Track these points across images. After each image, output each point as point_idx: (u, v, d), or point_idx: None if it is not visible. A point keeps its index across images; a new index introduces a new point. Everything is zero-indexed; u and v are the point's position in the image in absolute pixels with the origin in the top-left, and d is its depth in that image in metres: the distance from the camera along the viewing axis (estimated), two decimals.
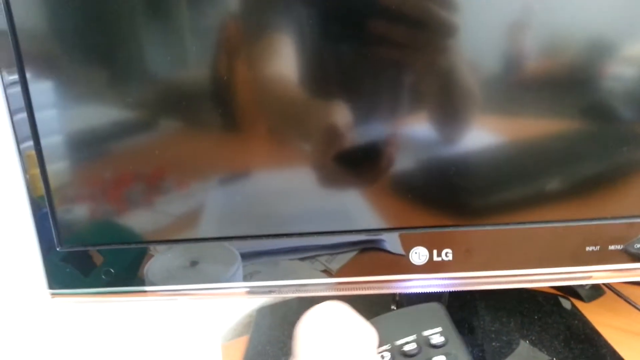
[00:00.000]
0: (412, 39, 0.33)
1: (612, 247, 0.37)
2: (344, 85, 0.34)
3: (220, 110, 0.36)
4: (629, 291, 0.51)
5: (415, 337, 0.27)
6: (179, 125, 0.36)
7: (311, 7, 0.33)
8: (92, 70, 0.35)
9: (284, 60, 0.34)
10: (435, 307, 0.28)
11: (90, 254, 0.39)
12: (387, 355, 0.26)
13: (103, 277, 0.39)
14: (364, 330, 0.30)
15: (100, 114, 0.36)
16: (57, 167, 0.37)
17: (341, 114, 0.35)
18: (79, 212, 0.38)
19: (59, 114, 0.36)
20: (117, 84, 0.36)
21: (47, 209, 0.38)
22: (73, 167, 0.38)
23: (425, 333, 0.27)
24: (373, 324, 0.28)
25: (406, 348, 0.26)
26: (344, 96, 0.35)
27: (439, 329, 0.27)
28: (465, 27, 0.33)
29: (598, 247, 0.37)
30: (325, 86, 0.35)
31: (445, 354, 0.25)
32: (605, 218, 0.36)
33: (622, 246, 0.37)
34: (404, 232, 0.37)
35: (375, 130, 0.35)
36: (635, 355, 0.41)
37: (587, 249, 0.37)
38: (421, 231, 0.37)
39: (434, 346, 0.26)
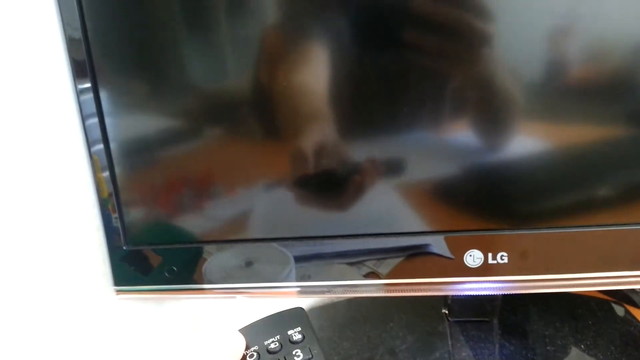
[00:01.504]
0: (447, 48, 0.34)
1: None
2: (381, 94, 0.35)
3: (263, 117, 0.37)
4: None
5: (279, 337, 0.32)
6: (224, 132, 0.38)
7: (348, 15, 0.34)
8: (150, 81, 0.38)
9: (321, 69, 0.35)
10: (298, 311, 0.34)
11: (153, 253, 0.41)
12: (255, 354, 0.31)
13: (166, 274, 0.41)
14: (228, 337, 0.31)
15: (155, 122, 0.38)
16: (123, 170, 0.39)
17: (381, 125, 0.36)
18: (142, 213, 0.40)
19: (124, 121, 0.39)
20: (170, 93, 0.38)
21: (115, 210, 0.40)
22: (136, 171, 0.40)
23: (288, 332, 0.32)
24: (244, 330, 0.32)
25: (271, 346, 0.31)
26: (384, 107, 0.35)
27: (298, 329, 0.32)
28: (502, 35, 0.33)
29: None
30: (365, 97, 0.35)
31: (302, 348, 0.31)
32: None
33: None
34: (458, 234, 0.37)
35: (420, 139, 0.36)
36: None
37: None
38: (476, 234, 0.37)
39: (293, 342, 0.31)
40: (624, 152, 0.35)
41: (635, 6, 0.32)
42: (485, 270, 0.38)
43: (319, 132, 0.36)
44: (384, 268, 0.39)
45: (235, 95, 0.37)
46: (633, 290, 0.51)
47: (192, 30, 0.36)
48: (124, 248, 0.40)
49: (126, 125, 0.39)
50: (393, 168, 0.37)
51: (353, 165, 0.37)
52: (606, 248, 0.37)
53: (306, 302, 0.54)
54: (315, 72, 0.35)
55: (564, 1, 0.32)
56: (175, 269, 0.41)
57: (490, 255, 0.37)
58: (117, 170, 0.39)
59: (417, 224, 0.38)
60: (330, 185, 0.38)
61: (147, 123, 0.38)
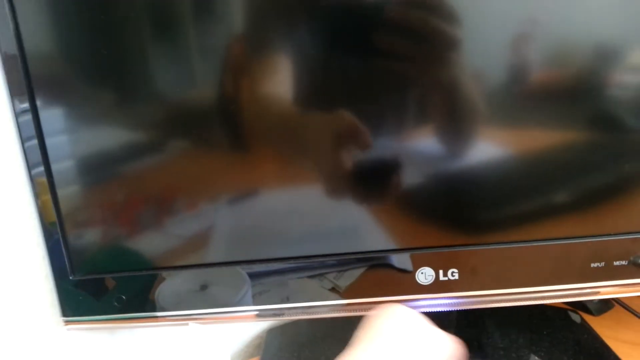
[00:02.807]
0: (416, 52, 0.34)
1: (617, 263, 0.37)
2: (348, 101, 0.35)
3: (227, 130, 0.36)
4: (637, 301, 0.51)
5: None
6: (185, 145, 0.37)
7: (315, 23, 0.34)
8: (100, 94, 0.36)
9: (288, 78, 0.35)
10: None
11: (102, 281, 0.40)
12: None
13: (115, 303, 0.40)
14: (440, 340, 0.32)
15: (109, 137, 0.37)
16: (68, 193, 0.38)
17: (347, 131, 0.35)
18: (91, 238, 0.39)
19: (68, 139, 0.37)
20: (124, 106, 0.36)
21: (59, 236, 0.38)
22: (84, 192, 0.38)
23: None
24: None
25: None
26: (349, 112, 0.35)
27: None
28: (468, 40, 0.33)
29: (603, 263, 0.37)
30: (330, 103, 0.35)
31: None
32: (609, 234, 0.37)
33: (626, 261, 0.37)
34: (409, 252, 0.37)
35: (381, 147, 0.36)
36: None
37: (592, 265, 0.37)
38: (427, 251, 0.37)
39: None
40: (578, 159, 0.36)
41: (593, 12, 0.33)
42: (437, 287, 0.38)
43: (282, 145, 0.36)
44: (343, 281, 0.39)
45: (197, 106, 0.36)
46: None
47: (150, 38, 0.35)
48: (70, 278, 0.39)
49: (70, 144, 0.37)
50: (354, 180, 0.37)
51: (318, 177, 0.37)
52: (556, 262, 0.37)
53: (266, 322, 0.54)
54: (281, 82, 0.35)
55: (526, 7, 0.32)
56: (124, 297, 0.39)
57: (441, 272, 0.38)
58: (61, 193, 0.38)
59: (373, 240, 0.38)
60: (292, 200, 0.37)
61: (93, 140, 0.37)
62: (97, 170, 0.37)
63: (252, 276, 0.39)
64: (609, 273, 0.37)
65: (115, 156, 0.37)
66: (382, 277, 0.38)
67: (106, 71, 0.35)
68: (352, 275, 0.38)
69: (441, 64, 0.34)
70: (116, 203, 0.38)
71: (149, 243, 0.39)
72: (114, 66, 0.35)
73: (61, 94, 0.36)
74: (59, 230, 0.38)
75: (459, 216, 0.37)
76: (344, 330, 0.49)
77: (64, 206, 0.38)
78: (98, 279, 0.40)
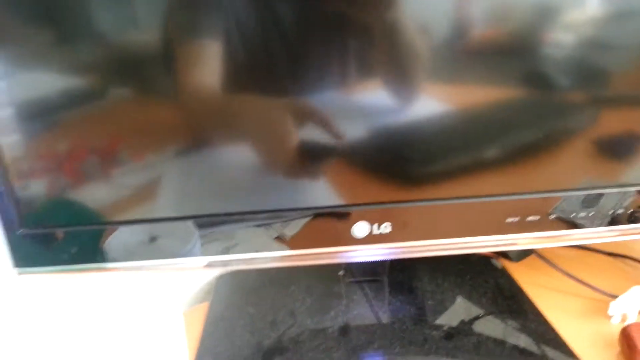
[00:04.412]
0: (356, 3, 0.34)
1: (531, 218, 0.41)
2: (289, 52, 0.35)
3: (171, 77, 0.36)
4: (553, 250, 0.57)
5: None
6: (129, 93, 0.36)
7: None
8: (38, 36, 0.34)
9: (226, 24, 0.34)
10: None
11: (52, 234, 0.41)
12: None
13: (65, 255, 0.41)
14: None
15: (48, 83, 0.35)
16: (10, 142, 0.37)
17: (288, 83, 0.36)
18: (37, 189, 0.39)
19: (6, 85, 0.36)
20: (64, 49, 0.35)
21: (5, 187, 0.38)
22: (25, 141, 0.37)
23: None
24: None
25: None
26: (290, 63, 0.36)
27: None
28: None
29: (518, 218, 0.41)
30: (271, 53, 0.35)
31: None
32: (525, 192, 0.41)
33: (539, 217, 0.41)
34: (347, 209, 0.40)
35: (323, 100, 0.37)
36: (552, 308, 0.47)
37: (509, 220, 0.41)
38: (363, 208, 0.40)
39: None
40: (510, 116, 0.38)
41: None
42: (371, 239, 0.41)
43: (224, 95, 0.36)
44: (289, 230, 0.41)
45: (141, 49, 0.35)
46: None
47: None
48: (19, 230, 0.40)
49: (8, 90, 0.35)
50: (299, 132, 0.38)
51: (259, 130, 0.38)
52: (477, 216, 0.41)
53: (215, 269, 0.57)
54: (218, 30, 0.34)
55: None
56: (74, 249, 0.41)
57: (375, 225, 0.41)
58: (2, 142, 0.37)
59: (316, 198, 0.40)
60: (237, 152, 0.38)
61: (32, 85, 0.35)
62: (37, 118, 0.36)
63: (201, 226, 0.40)
64: (524, 226, 0.41)
65: (56, 103, 0.36)
66: (323, 229, 0.41)
67: (44, 10, 0.34)
68: (297, 224, 0.41)
69: (382, 16, 0.34)
70: (60, 153, 0.38)
71: (96, 194, 0.39)
72: (53, 4, 0.34)
73: (5, 33, 0.34)
74: (3, 180, 0.38)
75: (394, 171, 0.40)
76: (287, 276, 0.53)
77: (7, 156, 0.37)
78: (47, 231, 0.40)
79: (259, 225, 0.41)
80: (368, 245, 0.41)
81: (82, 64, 0.35)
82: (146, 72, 0.36)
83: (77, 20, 0.34)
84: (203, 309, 0.50)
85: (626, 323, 0.43)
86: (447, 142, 0.39)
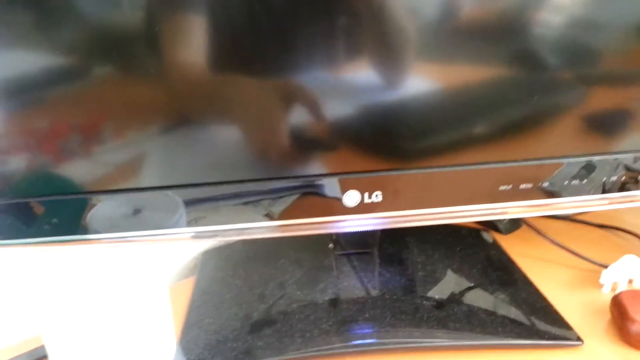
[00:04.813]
0: None
1: (523, 186, 0.41)
2: (276, 27, 0.35)
3: (152, 54, 0.35)
4: (543, 223, 0.57)
5: None
6: (109, 71, 0.35)
7: None
8: (17, 13, 0.33)
9: (214, 6, 0.34)
10: None
11: (32, 205, 0.39)
12: None
13: (46, 227, 0.40)
14: None
15: (29, 60, 0.35)
16: None
17: (275, 61, 0.35)
18: (16, 164, 0.38)
19: None
20: (44, 25, 0.34)
21: None
22: (6, 117, 0.36)
23: None
24: None
25: None
26: (277, 40, 0.35)
27: None
28: None
29: (510, 186, 0.41)
30: (257, 29, 0.35)
31: None
32: (517, 160, 0.40)
33: (531, 185, 0.41)
34: (337, 177, 0.39)
35: (313, 78, 0.36)
36: (543, 279, 0.47)
37: (501, 187, 0.41)
38: (353, 176, 0.40)
39: None
40: (499, 94, 0.38)
41: None
42: (362, 208, 0.40)
43: (211, 70, 0.35)
44: (276, 207, 0.40)
45: (122, 26, 0.34)
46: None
47: None
48: None
49: None
50: (287, 109, 0.37)
51: (247, 106, 0.37)
52: (470, 184, 0.41)
53: (201, 244, 0.56)
54: (205, 3, 0.33)
55: None
56: (55, 220, 0.39)
57: (366, 194, 0.40)
58: None
59: (303, 166, 0.39)
60: (224, 127, 0.38)
61: (12, 63, 0.34)
62: (17, 95, 0.35)
63: (187, 203, 0.39)
64: (516, 194, 0.41)
65: (37, 80, 0.35)
66: (313, 202, 0.40)
67: None
68: (285, 202, 0.40)
69: None
70: (40, 130, 0.37)
71: (78, 170, 0.38)
72: None
73: None
74: None
75: (384, 145, 0.39)
76: (276, 250, 0.52)
77: None
78: (26, 202, 0.39)
79: (247, 203, 0.40)
80: (359, 215, 0.41)
81: (63, 41, 0.34)
82: (128, 49, 0.35)
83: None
84: (189, 283, 0.49)
85: (617, 292, 0.43)
86: (437, 118, 0.38)
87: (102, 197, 0.39)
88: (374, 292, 0.44)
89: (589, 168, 0.41)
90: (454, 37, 0.36)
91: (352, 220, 0.41)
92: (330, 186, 0.40)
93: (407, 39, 0.35)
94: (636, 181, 0.43)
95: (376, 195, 0.40)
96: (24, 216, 0.40)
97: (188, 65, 0.35)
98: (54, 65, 0.35)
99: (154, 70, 0.36)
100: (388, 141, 0.39)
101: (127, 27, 0.34)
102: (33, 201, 0.39)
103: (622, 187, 0.43)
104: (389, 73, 0.37)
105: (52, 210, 0.40)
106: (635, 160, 0.41)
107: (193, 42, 0.35)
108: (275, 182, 0.40)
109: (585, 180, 0.41)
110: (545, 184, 0.41)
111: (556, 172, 0.41)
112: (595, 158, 0.41)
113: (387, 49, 0.36)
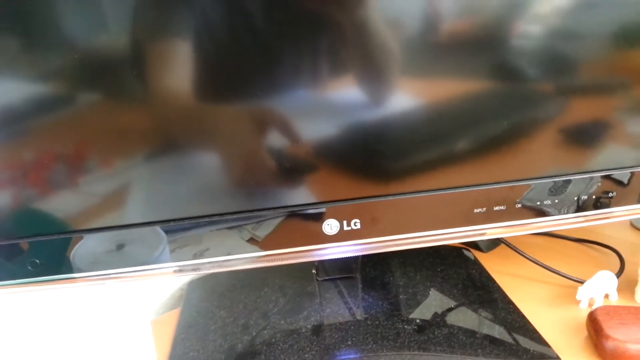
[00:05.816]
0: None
1: (496, 208, 0.42)
2: (262, 52, 0.35)
3: (138, 83, 0.36)
4: (522, 239, 0.58)
5: None
6: (95, 99, 0.36)
7: None
8: (2, 40, 0.34)
9: (197, 25, 0.34)
10: None
11: (15, 245, 0.40)
12: None
13: (29, 267, 0.40)
14: None
15: (13, 89, 0.35)
16: None
17: (262, 84, 0.36)
18: (0, 200, 0.38)
19: None
20: (28, 53, 0.34)
21: None
22: None
23: None
24: None
25: None
26: (263, 65, 0.36)
27: None
28: None
29: (484, 209, 0.42)
30: (241, 53, 0.35)
31: None
32: (490, 183, 0.41)
33: (504, 207, 0.42)
34: (317, 207, 0.40)
35: (294, 99, 0.37)
36: (522, 296, 0.48)
37: (475, 210, 0.42)
38: (332, 205, 0.40)
39: None
40: (479, 109, 0.39)
41: None
42: (342, 236, 0.41)
43: (196, 96, 0.36)
44: (261, 231, 0.41)
45: (108, 55, 0.34)
46: None
47: None
48: None
49: None
50: (268, 135, 0.38)
51: (229, 133, 0.37)
52: (445, 208, 0.42)
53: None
54: (189, 35, 0.34)
55: None
56: (39, 260, 0.40)
57: (345, 222, 0.41)
58: None
59: (285, 196, 0.40)
60: (208, 155, 0.38)
61: (1, 91, 0.34)
62: (2, 126, 0.35)
63: (169, 232, 0.40)
64: (491, 217, 0.42)
65: (21, 111, 0.35)
66: (294, 230, 0.41)
67: (8, 15, 0.33)
68: (270, 225, 0.41)
69: (353, 10, 0.35)
70: (25, 162, 0.37)
71: (63, 204, 0.38)
72: (18, 9, 0.33)
73: None
74: None
75: (364, 166, 0.40)
76: (261, 278, 0.52)
77: None
78: (10, 243, 0.39)
79: (231, 228, 0.41)
80: (340, 242, 0.41)
81: (47, 69, 0.34)
82: (114, 76, 0.35)
83: (43, 24, 0.33)
84: (174, 315, 0.50)
85: (593, 307, 0.44)
86: (419, 135, 0.39)
87: (86, 235, 0.40)
88: (358, 317, 0.45)
89: (564, 186, 0.42)
90: (436, 52, 0.37)
91: (333, 247, 0.42)
92: (311, 216, 0.41)
93: (390, 55, 0.36)
94: (609, 198, 0.44)
95: (354, 223, 0.41)
96: (8, 256, 0.40)
97: (173, 92, 0.36)
98: (37, 93, 0.35)
99: (137, 97, 0.36)
100: (369, 160, 0.40)
101: (112, 53, 0.34)
102: (16, 242, 0.39)
103: (597, 204, 0.44)
104: (372, 90, 0.37)
105: (35, 249, 0.40)
106: (608, 177, 0.43)
107: (178, 68, 0.35)
108: (257, 213, 0.40)
109: (560, 199, 0.43)
110: (520, 205, 0.42)
111: (531, 192, 0.42)
112: (571, 177, 0.42)
113: (369, 66, 0.36)
